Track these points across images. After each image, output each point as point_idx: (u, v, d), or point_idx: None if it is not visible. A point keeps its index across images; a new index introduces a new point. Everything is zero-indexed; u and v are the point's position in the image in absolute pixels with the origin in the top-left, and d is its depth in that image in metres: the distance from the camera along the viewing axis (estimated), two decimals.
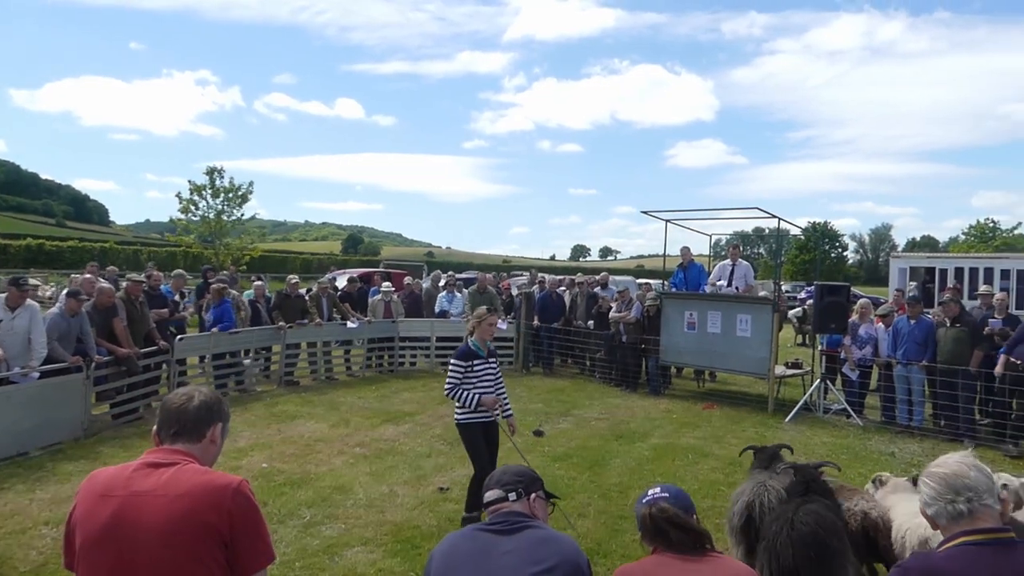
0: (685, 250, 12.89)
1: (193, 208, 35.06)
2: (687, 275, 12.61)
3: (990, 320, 9.78)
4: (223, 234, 35.54)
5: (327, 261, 63.34)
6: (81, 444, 7.89)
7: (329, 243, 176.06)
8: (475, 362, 5.73)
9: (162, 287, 11.53)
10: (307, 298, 12.62)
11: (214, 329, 10.57)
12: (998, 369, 8.68)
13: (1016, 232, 74.10)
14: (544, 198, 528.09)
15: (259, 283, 13.10)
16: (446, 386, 5.72)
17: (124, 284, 9.75)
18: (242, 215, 36.32)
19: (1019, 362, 8.58)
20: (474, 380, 5.70)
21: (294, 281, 12.70)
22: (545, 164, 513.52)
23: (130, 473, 2.13)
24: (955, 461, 2.11)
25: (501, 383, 5.97)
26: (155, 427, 2.28)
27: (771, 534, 3.64)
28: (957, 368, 8.99)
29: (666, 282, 13.29)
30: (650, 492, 2.45)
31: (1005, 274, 17.85)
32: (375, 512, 6.07)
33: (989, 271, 18.19)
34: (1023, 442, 8.62)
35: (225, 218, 35.46)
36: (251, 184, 36.30)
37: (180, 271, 13.02)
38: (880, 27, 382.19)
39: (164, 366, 9.77)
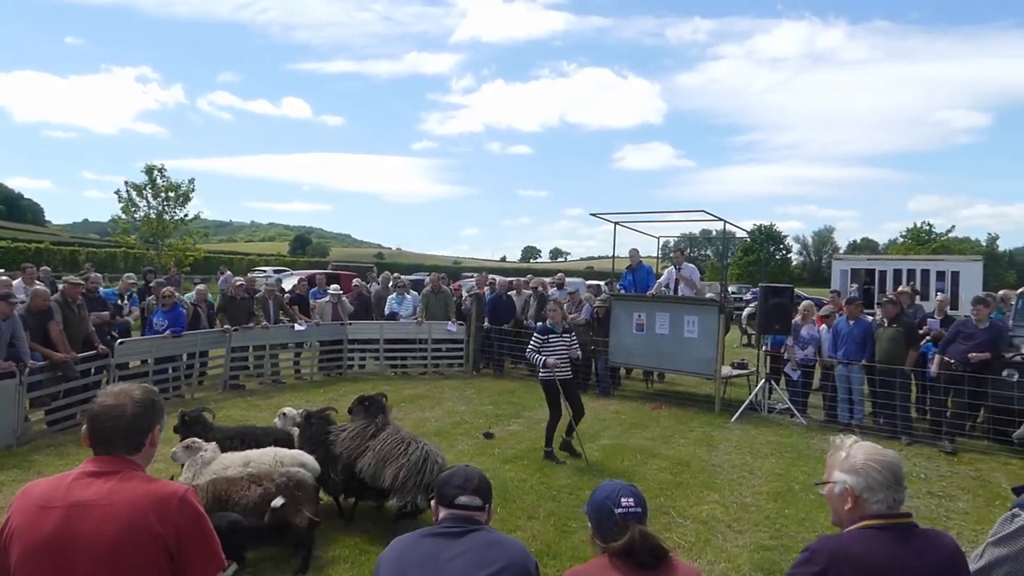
0: (634, 252, 13.03)
1: (133, 208, 34.09)
2: (635, 277, 12.76)
3: (929, 320, 10.15)
4: (165, 234, 34.60)
5: (274, 262, 62.37)
6: (14, 452, 7.58)
7: (276, 244, 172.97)
8: (550, 336, 8.13)
9: (103, 290, 11.18)
10: (253, 300, 12.38)
11: (167, 332, 10.30)
12: (933, 369, 8.99)
13: (950, 235, 77.04)
14: (494, 199, 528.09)
15: (201, 286, 12.74)
16: (528, 352, 8.27)
17: (61, 286, 9.40)
18: (185, 215, 35.43)
19: (952, 361, 8.93)
20: (548, 349, 8.04)
21: (239, 283, 12.45)
22: (495, 166, 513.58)
23: (69, 483, 2.06)
24: (887, 450, 2.21)
25: (568, 352, 8.20)
26: (88, 437, 2.15)
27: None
28: (894, 367, 9.29)
29: (612, 282, 13.42)
30: (623, 501, 2.37)
31: (941, 276, 18.55)
32: (322, 518, 5.97)
33: (926, 273, 18.86)
34: (958, 439, 8.95)
35: (167, 218, 34.53)
36: (192, 182, 35.39)
37: (130, 274, 12.64)
38: (821, 35, 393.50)
39: (104, 371, 9.47)
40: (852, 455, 2.25)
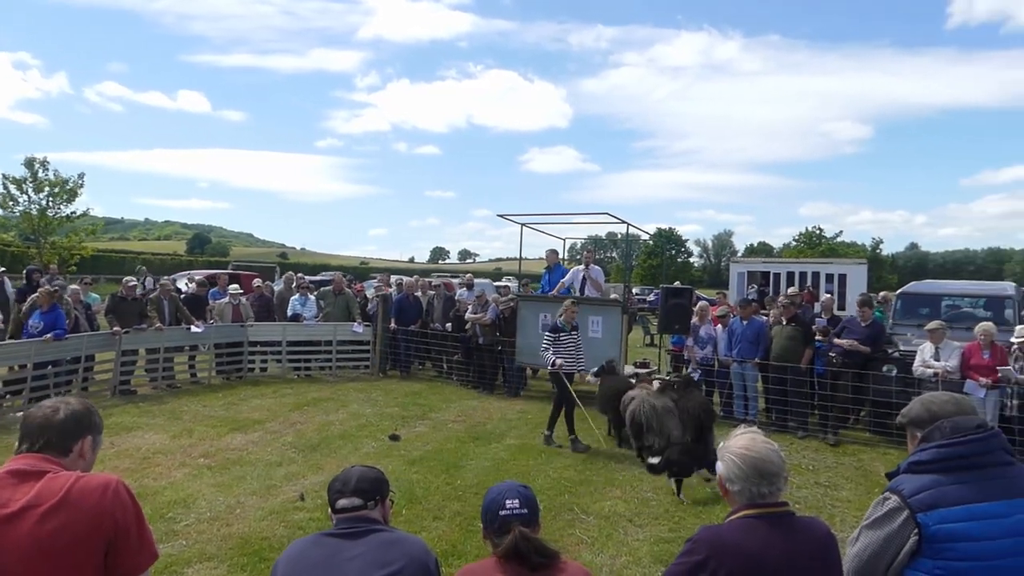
0: (550, 253, 13.17)
1: (12, 203, 31.86)
2: (551, 277, 12.88)
3: (817, 320, 10.74)
4: (48, 232, 32.48)
5: (170, 262, 59.77)
6: None
7: (173, 243, 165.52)
8: (560, 335, 8.69)
9: None
10: (146, 300, 11.81)
11: (48, 336, 9.67)
12: (847, 343, 9.47)
13: (838, 239, 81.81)
14: (402, 200, 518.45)
15: (74, 287, 11.90)
16: (542, 348, 8.86)
17: None
18: (73, 211, 33.42)
19: (834, 356, 9.51)
20: (559, 347, 8.68)
21: (131, 283, 11.86)
22: (402, 166, 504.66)
23: None
24: (761, 445, 2.31)
25: (581, 348, 9.05)
26: (17, 443, 2.14)
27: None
28: (786, 364, 9.76)
29: (527, 284, 13.53)
30: (507, 503, 2.38)
31: (830, 278, 19.56)
32: (220, 525, 5.77)
33: (816, 275, 19.86)
34: (841, 432, 9.51)
35: (51, 214, 32.46)
36: (81, 176, 33.44)
37: None
38: (718, 46, 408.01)
39: None
40: (728, 446, 2.37)
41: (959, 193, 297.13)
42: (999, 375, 8.29)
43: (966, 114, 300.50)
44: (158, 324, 11.37)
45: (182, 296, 12.77)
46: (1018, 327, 8.50)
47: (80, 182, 33.30)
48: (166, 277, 15.48)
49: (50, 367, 9.86)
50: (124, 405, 10.12)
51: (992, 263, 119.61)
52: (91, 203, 67.53)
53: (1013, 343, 8.32)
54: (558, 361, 8.64)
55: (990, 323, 8.81)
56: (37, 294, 10.10)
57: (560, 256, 13.49)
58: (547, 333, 8.90)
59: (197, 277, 15.02)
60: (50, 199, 32.50)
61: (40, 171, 32.22)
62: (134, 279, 12.67)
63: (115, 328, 10.79)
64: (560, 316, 8.90)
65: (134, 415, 9.51)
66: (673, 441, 7.38)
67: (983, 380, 8.31)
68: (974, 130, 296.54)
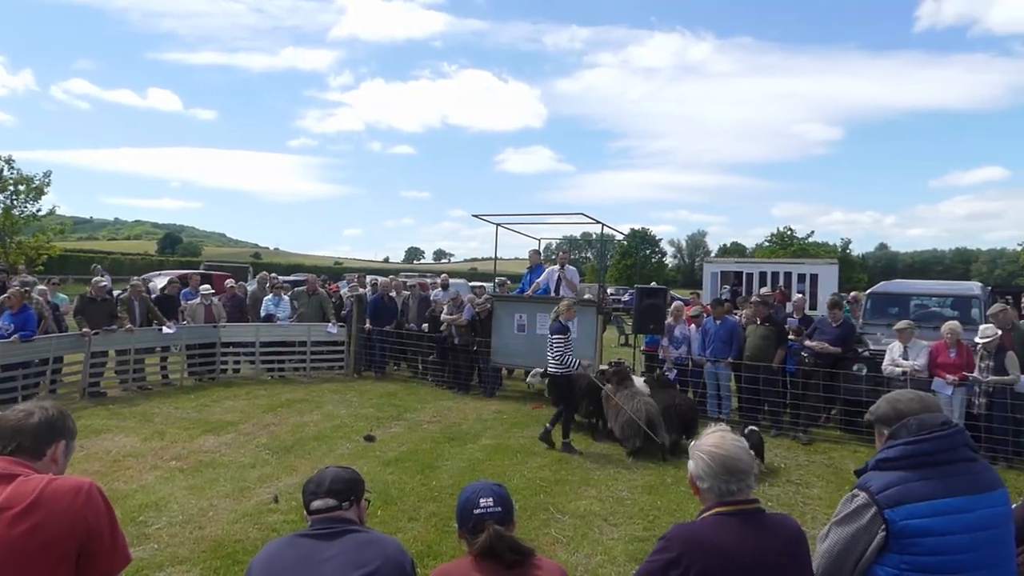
0: (533, 253, 13.19)
1: None
2: (532, 277, 12.90)
3: (789, 319, 10.87)
4: (14, 231, 31.86)
5: (141, 262, 58.95)
6: None
7: (143, 242, 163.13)
8: (568, 335, 8.49)
9: None
10: (117, 301, 11.63)
11: (14, 337, 9.49)
12: (817, 346, 9.61)
13: (810, 240, 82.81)
14: (376, 200, 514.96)
15: (41, 287, 11.71)
16: (561, 354, 8.40)
17: None
18: (38, 210, 32.81)
19: (806, 356, 9.63)
20: (571, 347, 8.58)
21: (101, 284, 11.68)
22: (377, 165, 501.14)
23: None
24: (731, 443, 2.35)
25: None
26: None
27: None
28: (759, 364, 9.86)
29: (506, 283, 13.55)
30: (481, 502, 2.38)
31: (801, 277, 19.80)
32: (193, 528, 5.71)
33: (788, 275, 20.08)
34: (812, 430, 9.63)
35: (16, 213, 31.84)
36: (48, 175, 32.89)
37: None
38: (691, 48, 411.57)
39: None
40: (699, 443, 2.41)
41: (927, 194, 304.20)
42: (969, 380, 8.45)
43: (934, 116, 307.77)
44: (128, 325, 11.22)
45: (153, 297, 12.61)
46: (982, 327, 8.65)
47: (47, 180, 32.78)
48: (136, 278, 15.25)
49: (20, 369, 9.70)
50: (94, 407, 9.97)
51: (959, 263, 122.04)
52: (58, 202, 66.43)
53: (978, 343, 8.48)
54: (584, 362, 8.64)
55: (956, 322, 8.98)
56: (7, 295, 9.93)
57: (542, 257, 13.52)
58: (557, 336, 8.51)
59: (159, 280, 14.82)
60: (15, 197, 31.91)
61: (5, 169, 31.65)
62: (104, 280, 12.47)
63: (84, 329, 10.63)
64: (561, 316, 8.65)
65: (104, 417, 9.38)
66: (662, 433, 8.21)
67: (950, 378, 8.48)
68: (942, 132, 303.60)
